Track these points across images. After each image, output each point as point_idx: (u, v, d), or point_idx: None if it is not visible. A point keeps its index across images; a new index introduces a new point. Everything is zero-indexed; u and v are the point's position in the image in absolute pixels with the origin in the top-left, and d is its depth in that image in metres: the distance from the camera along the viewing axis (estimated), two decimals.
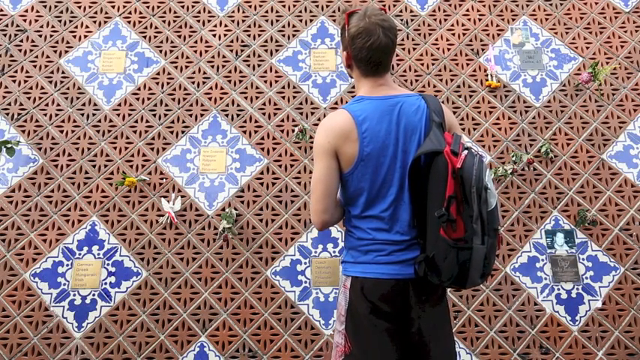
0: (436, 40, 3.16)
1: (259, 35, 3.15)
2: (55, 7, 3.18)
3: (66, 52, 3.08)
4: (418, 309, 1.60)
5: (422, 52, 3.12)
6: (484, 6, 3.24)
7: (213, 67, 3.07)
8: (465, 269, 1.47)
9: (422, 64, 3.09)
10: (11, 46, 3.08)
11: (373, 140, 1.59)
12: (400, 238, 1.61)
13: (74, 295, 2.61)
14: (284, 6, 3.22)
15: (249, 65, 3.08)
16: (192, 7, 3.21)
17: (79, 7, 3.19)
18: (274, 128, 2.95)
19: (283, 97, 3.01)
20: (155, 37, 3.14)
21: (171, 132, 2.93)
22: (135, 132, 2.92)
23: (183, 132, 2.93)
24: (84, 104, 2.97)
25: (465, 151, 1.48)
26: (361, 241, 1.64)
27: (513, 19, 3.21)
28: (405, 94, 1.65)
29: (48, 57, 3.06)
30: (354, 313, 1.64)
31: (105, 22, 3.16)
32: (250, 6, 3.22)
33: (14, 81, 3.00)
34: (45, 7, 3.18)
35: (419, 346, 1.62)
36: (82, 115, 2.95)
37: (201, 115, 2.97)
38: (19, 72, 3.02)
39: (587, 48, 3.14)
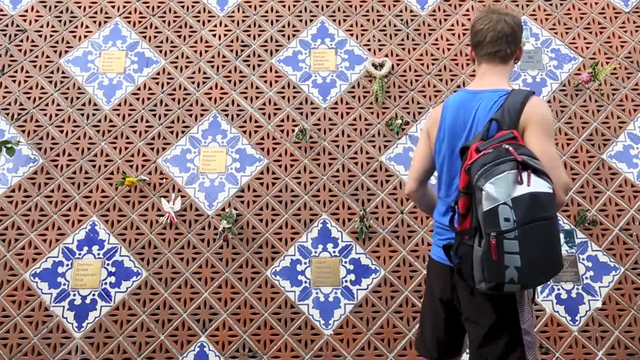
0: (436, 40, 3.16)
1: (259, 35, 3.15)
2: (55, 7, 3.18)
3: (66, 52, 3.08)
4: (460, 294, 1.66)
5: (422, 52, 3.12)
6: (484, 6, 3.23)
7: (213, 67, 3.07)
8: (465, 265, 1.49)
9: (422, 64, 3.09)
10: (11, 46, 3.08)
11: (448, 129, 1.67)
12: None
13: (74, 295, 2.61)
14: (284, 6, 3.22)
15: (249, 65, 3.08)
16: (192, 7, 3.21)
17: (79, 7, 3.19)
18: (274, 128, 2.95)
19: (283, 97, 3.01)
20: (155, 37, 3.14)
21: (171, 132, 2.93)
22: (135, 132, 2.92)
23: (183, 132, 2.93)
24: (84, 104, 2.97)
25: (489, 150, 1.45)
26: (434, 222, 1.80)
27: None
28: (492, 90, 1.63)
29: (48, 57, 3.06)
30: (426, 281, 1.88)
31: (105, 22, 3.16)
32: (250, 6, 3.22)
33: (14, 81, 3.00)
34: (45, 7, 3.18)
35: (467, 328, 1.70)
36: (82, 115, 2.95)
37: (201, 115, 2.97)
38: (19, 72, 3.02)
39: (587, 48, 3.14)
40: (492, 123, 1.55)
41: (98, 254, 2.69)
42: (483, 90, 1.65)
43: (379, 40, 3.14)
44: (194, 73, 3.05)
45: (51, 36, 3.12)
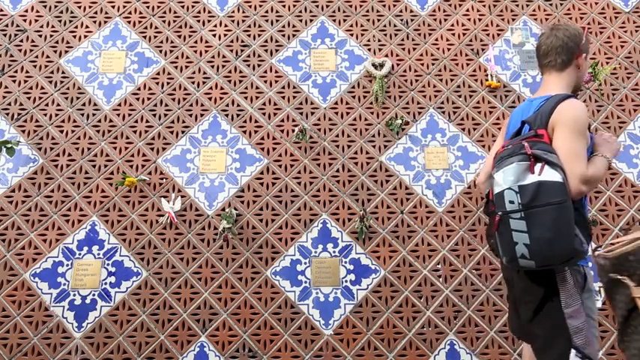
0: (436, 40, 3.16)
1: (259, 35, 3.15)
2: (55, 7, 3.18)
3: (66, 52, 3.08)
4: (514, 273, 1.81)
5: (422, 52, 3.12)
6: (484, 6, 3.24)
7: (213, 67, 3.07)
8: (493, 242, 1.72)
9: (422, 64, 3.09)
10: (11, 46, 3.08)
11: (510, 132, 1.92)
12: None
13: (74, 295, 2.61)
14: (284, 6, 3.22)
15: (249, 65, 3.08)
16: (192, 7, 3.21)
17: (79, 7, 3.19)
18: (274, 128, 2.95)
19: (283, 97, 3.01)
20: (155, 37, 3.14)
21: (171, 132, 2.93)
22: (135, 132, 2.92)
23: (183, 132, 2.93)
24: (84, 104, 2.97)
25: (510, 146, 1.69)
26: None
27: (513, 19, 3.21)
28: (542, 97, 1.83)
29: (48, 57, 3.06)
30: None
31: (105, 22, 3.16)
32: (250, 6, 3.22)
33: (14, 81, 3.00)
34: (45, 7, 3.18)
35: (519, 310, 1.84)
36: (82, 115, 2.95)
37: (201, 115, 2.97)
38: (19, 72, 3.02)
39: None
40: (525, 125, 1.77)
41: (98, 254, 2.69)
42: (536, 97, 1.87)
43: (379, 40, 3.14)
44: (194, 73, 3.06)
45: (51, 36, 3.12)
